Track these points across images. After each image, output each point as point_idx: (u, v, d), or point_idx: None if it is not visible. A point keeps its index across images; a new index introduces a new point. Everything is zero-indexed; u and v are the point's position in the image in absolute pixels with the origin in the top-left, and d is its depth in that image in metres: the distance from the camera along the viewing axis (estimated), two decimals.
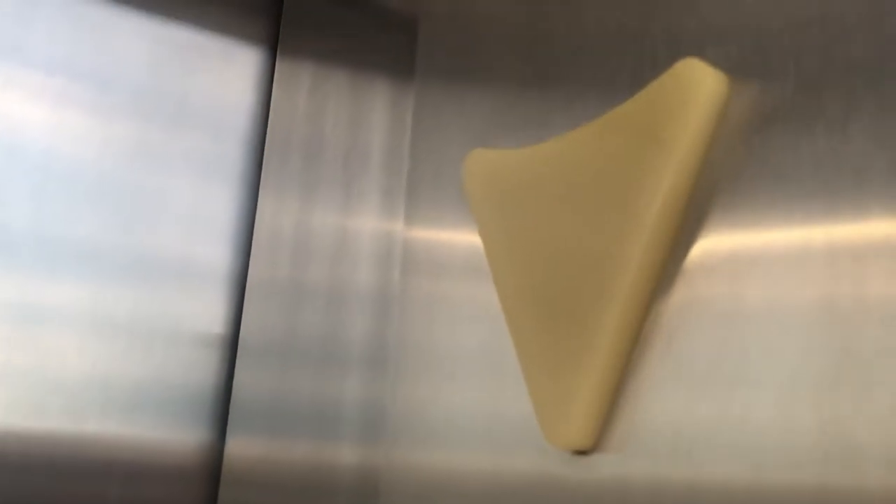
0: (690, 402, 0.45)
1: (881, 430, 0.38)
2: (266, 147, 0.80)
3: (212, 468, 0.74)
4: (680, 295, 0.46)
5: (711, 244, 0.45)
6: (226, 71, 0.79)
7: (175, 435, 0.73)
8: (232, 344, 0.76)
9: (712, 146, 0.45)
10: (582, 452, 0.48)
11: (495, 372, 0.55)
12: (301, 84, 0.78)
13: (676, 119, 0.45)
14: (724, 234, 0.45)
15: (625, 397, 0.47)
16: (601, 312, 0.46)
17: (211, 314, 0.76)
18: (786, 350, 0.42)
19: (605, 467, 0.47)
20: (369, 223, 0.69)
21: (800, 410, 0.41)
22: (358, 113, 0.72)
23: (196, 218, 0.77)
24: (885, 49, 0.41)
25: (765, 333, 0.43)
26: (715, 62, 0.45)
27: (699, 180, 0.45)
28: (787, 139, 0.43)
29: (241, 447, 0.73)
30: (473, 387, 0.57)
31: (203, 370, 0.75)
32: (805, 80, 0.43)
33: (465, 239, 0.59)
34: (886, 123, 0.40)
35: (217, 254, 0.78)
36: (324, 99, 0.76)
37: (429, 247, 0.63)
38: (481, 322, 0.56)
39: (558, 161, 0.50)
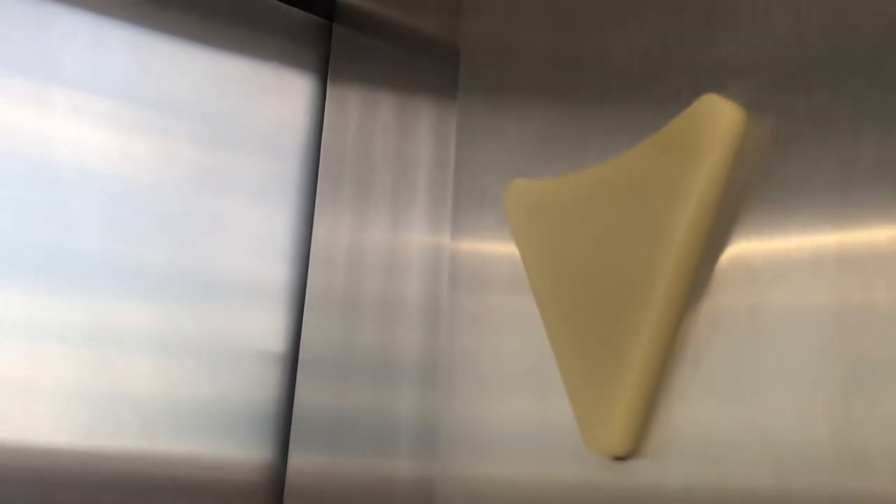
0: (718, 410, 0.47)
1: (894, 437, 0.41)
2: (320, 167, 0.82)
3: (275, 484, 0.75)
4: (706, 308, 0.49)
5: (734, 260, 0.48)
6: (281, 97, 0.83)
7: (240, 452, 0.75)
8: (292, 360, 0.78)
9: (732, 174, 0.48)
10: (621, 458, 0.51)
11: (541, 384, 0.56)
12: (351, 108, 0.81)
13: (699, 149, 0.48)
14: (745, 251, 0.48)
15: (659, 405, 0.49)
16: (636, 327, 0.49)
17: (272, 332, 0.78)
18: (802, 359, 0.44)
19: (642, 473, 0.50)
20: (418, 237, 0.71)
21: (816, 418, 0.43)
22: (405, 133, 0.75)
23: (256, 237, 0.79)
24: (887, 85, 0.43)
25: (783, 343, 0.45)
26: (734, 96, 0.48)
27: (721, 204, 0.48)
28: (800, 167, 0.46)
29: (303, 463, 0.75)
30: (521, 398, 0.58)
31: (266, 387, 0.77)
32: (815, 113, 0.45)
33: (510, 252, 0.60)
34: (889, 153, 0.43)
35: (276, 271, 0.79)
36: (372, 121, 0.78)
37: (475, 260, 0.64)
38: (527, 334, 0.58)
39: (593, 189, 0.53)
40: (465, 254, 0.65)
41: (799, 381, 0.45)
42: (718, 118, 0.47)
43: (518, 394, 0.59)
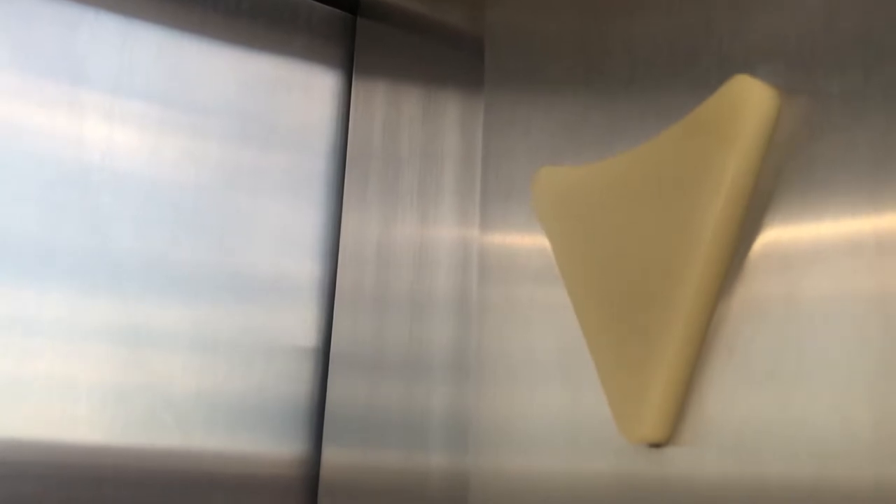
0: (755, 398, 0.47)
1: None
2: (347, 163, 0.82)
3: (310, 479, 0.76)
4: (740, 295, 0.48)
5: (768, 245, 0.47)
6: (307, 93, 0.83)
7: (275, 447, 0.75)
8: (324, 356, 0.78)
9: (764, 157, 0.47)
10: (656, 446, 0.50)
11: (572, 375, 0.56)
12: (376, 103, 0.81)
13: (731, 132, 0.47)
14: (779, 236, 0.47)
15: (694, 393, 0.49)
16: (669, 314, 0.49)
17: (303, 327, 0.78)
18: (840, 347, 0.44)
19: (677, 461, 0.49)
20: (446, 231, 0.71)
21: (856, 406, 0.43)
22: (431, 127, 0.74)
23: (285, 234, 0.79)
24: None
25: (819, 331, 0.45)
26: (765, 78, 0.47)
27: (754, 188, 0.48)
28: (834, 150, 0.45)
29: (336, 457, 0.75)
30: (552, 390, 0.58)
31: (298, 382, 0.77)
32: (849, 94, 0.45)
33: (538, 243, 0.60)
34: None
35: (306, 268, 0.80)
36: (398, 115, 0.78)
37: (504, 252, 0.64)
38: (557, 326, 0.58)
39: (621, 176, 0.53)
40: (494, 247, 0.65)
41: (837, 369, 0.44)
42: (750, 100, 0.46)
43: (549, 386, 0.59)
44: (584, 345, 0.55)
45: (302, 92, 0.83)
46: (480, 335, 0.64)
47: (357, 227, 0.80)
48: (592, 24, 0.60)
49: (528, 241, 0.62)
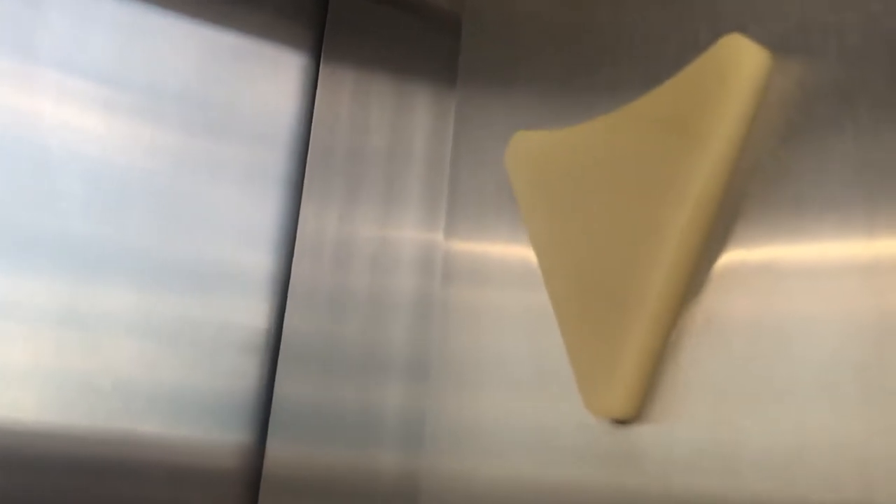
0: (732, 372, 0.44)
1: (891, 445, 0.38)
2: (309, 153, 0.80)
3: (252, 472, 0.74)
4: (721, 265, 0.46)
5: (754, 212, 0.45)
6: (270, 76, 0.81)
7: (217, 438, 0.74)
8: (274, 349, 0.77)
9: (754, 121, 0.45)
10: (623, 422, 0.48)
11: (535, 379, 0.54)
12: (344, 89, 0.79)
13: (720, 94, 0.45)
14: (766, 203, 0.45)
15: (667, 367, 0.46)
16: (644, 283, 0.46)
17: (254, 319, 0.77)
18: (825, 318, 0.41)
19: (645, 439, 0.47)
20: (411, 230, 0.70)
21: (841, 380, 0.40)
22: (400, 120, 0.73)
23: (240, 223, 0.78)
24: None
25: (803, 302, 0.42)
26: (757, 40, 0.45)
27: (742, 152, 0.45)
28: (829, 115, 0.43)
29: (281, 451, 0.74)
30: (514, 396, 0.56)
31: (245, 374, 0.76)
32: (847, 56, 0.43)
33: (506, 247, 0.59)
34: None
35: (260, 259, 0.79)
36: (367, 105, 0.77)
37: (470, 255, 0.62)
38: (522, 331, 0.56)
39: (601, 140, 0.50)
40: (461, 248, 0.63)
41: (821, 341, 0.41)
42: (741, 60, 0.44)
43: (511, 390, 0.57)
44: (549, 349, 0.53)
45: (265, 74, 0.81)
46: (442, 337, 0.62)
47: (315, 221, 0.79)
48: (578, 6, 0.58)
49: (495, 247, 0.60)
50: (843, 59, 0.43)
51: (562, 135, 0.52)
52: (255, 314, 0.77)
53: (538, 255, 0.53)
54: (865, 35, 0.42)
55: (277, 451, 0.74)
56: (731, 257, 0.45)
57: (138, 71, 0.75)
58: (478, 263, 0.62)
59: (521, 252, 0.58)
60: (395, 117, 0.74)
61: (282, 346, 0.76)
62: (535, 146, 0.54)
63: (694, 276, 0.46)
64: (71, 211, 0.71)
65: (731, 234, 0.45)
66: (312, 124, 0.81)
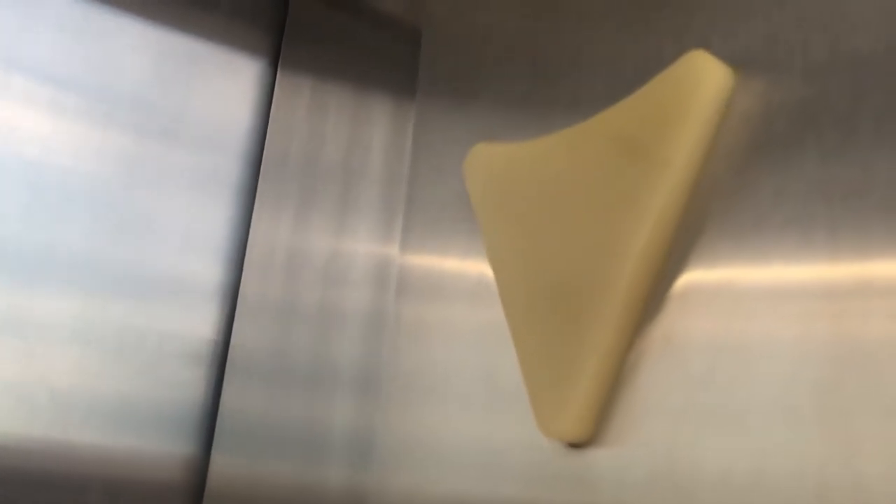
0: (691, 394, 0.43)
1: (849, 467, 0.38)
2: (263, 161, 0.79)
3: (195, 486, 0.72)
4: (680, 284, 0.45)
5: (716, 231, 0.45)
6: (225, 81, 0.79)
7: (160, 450, 0.72)
8: (221, 360, 0.75)
9: (717, 138, 0.44)
10: (578, 445, 0.47)
11: (488, 399, 0.54)
12: (301, 98, 0.78)
13: (682, 111, 0.44)
14: (729, 221, 0.44)
15: (624, 388, 0.45)
16: (602, 302, 0.45)
17: (201, 329, 0.75)
18: (785, 338, 0.41)
19: (600, 461, 0.46)
20: (365, 244, 0.69)
21: (801, 401, 0.40)
22: (358, 130, 0.72)
23: (189, 231, 0.76)
24: (893, 40, 0.40)
25: (764, 322, 0.42)
26: (720, 56, 0.45)
27: (704, 170, 0.45)
28: (792, 133, 0.42)
29: (225, 465, 0.72)
30: (466, 414, 0.56)
31: (191, 385, 0.74)
32: (812, 73, 0.42)
33: (462, 263, 0.58)
34: (891, 115, 0.40)
35: (209, 269, 0.77)
36: (324, 114, 0.76)
37: (425, 269, 0.62)
38: (476, 348, 0.55)
39: (561, 155, 0.49)
40: (416, 263, 0.63)
41: (781, 363, 0.41)
42: (704, 77, 0.44)
43: (461, 407, 0.56)
44: (503, 367, 0.52)
45: (220, 80, 0.79)
46: (394, 353, 0.61)
47: (267, 231, 0.77)
48: (540, 18, 0.57)
49: (451, 262, 0.60)
50: (807, 76, 0.42)
51: (521, 148, 0.52)
52: (202, 324, 0.75)
53: (495, 270, 0.52)
54: (830, 53, 0.42)
55: (222, 464, 0.72)
56: (691, 277, 0.45)
57: (86, 72, 0.73)
58: (433, 278, 0.61)
59: (477, 268, 0.57)
60: (353, 127, 0.73)
61: (229, 358, 0.75)
62: (495, 159, 0.53)
63: (653, 296, 0.45)
64: (8, 214, 0.68)
65: (691, 253, 0.45)
66: (268, 132, 0.79)
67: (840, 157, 0.41)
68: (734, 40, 0.45)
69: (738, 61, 0.45)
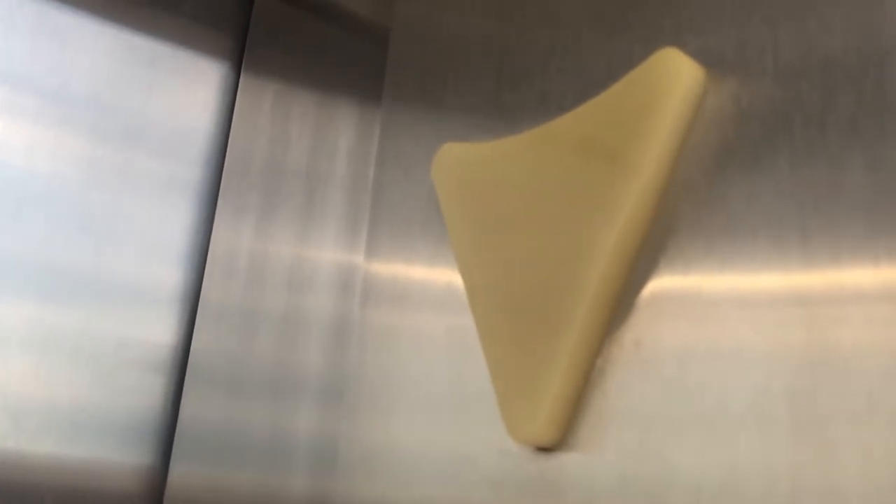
0: (660, 398, 0.43)
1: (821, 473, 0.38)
2: (225, 165, 0.78)
3: (154, 496, 0.70)
4: (650, 287, 0.45)
5: (687, 232, 0.44)
6: (186, 84, 0.77)
7: (117, 459, 0.70)
8: (181, 367, 0.73)
9: (688, 137, 0.44)
10: (546, 450, 0.46)
11: (456, 405, 0.53)
12: (265, 102, 0.77)
13: (654, 107, 0.44)
14: (700, 223, 0.44)
15: (594, 392, 0.45)
16: (570, 305, 0.45)
17: (160, 336, 0.73)
18: (755, 341, 0.40)
19: (569, 467, 0.45)
20: (329, 251, 0.68)
21: (771, 404, 0.39)
22: (322, 137, 0.72)
23: (149, 235, 0.75)
24: (864, 43, 0.40)
25: (734, 325, 0.41)
26: (693, 55, 0.44)
27: (675, 169, 0.44)
28: (764, 134, 0.42)
29: (185, 475, 0.70)
30: (432, 420, 0.55)
31: (149, 393, 0.72)
32: (783, 76, 0.42)
33: (429, 269, 0.58)
34: (862, 115, 0.39)
35: (169, 276, 0.75)
36: (287, 119, 0.75)
37: (391, 276, 0.61)
38: (443, 354, 0.55)
39: (529, 156, 0.49)
40: (381, 270, 0.62)
41: (752, 369, 0.40)
42: (676, 75, 0.43)
43: (428, 414, 0.56)
44: (470, 373, 0.52)
45: (181, 82, 0.77)
46: (359, 360, 0.61)
47: (229, 236, 0.76)
48: (509, 19, 0.56)
49: (417, 268, 0.59)
50: (778, 77, 0.42)
51: (490, 148, 0.51)
52: (161, 330, 0.74)
53: (463, 273, 0.52)
54: (801, 53, 0.42)
55: (181, 474, 0.70)
56: (662, 281, 0.44)
57: (43, 72, 0.71)
58: (399, 284, 0.60)
59: (444, 274, 0.56)
60: (317, 131, 0.72)
61: (189, 365, 0.73)
62: (463, 159, 0.52)
63: (622, 300, 0.45)
64: None
65: (661, 256, 0.44)
66: (230, 135, 0.78)
67: (811, 159, 0.41)
68: (705, 42, 0.44)
69: (708, 64, 0.44)
